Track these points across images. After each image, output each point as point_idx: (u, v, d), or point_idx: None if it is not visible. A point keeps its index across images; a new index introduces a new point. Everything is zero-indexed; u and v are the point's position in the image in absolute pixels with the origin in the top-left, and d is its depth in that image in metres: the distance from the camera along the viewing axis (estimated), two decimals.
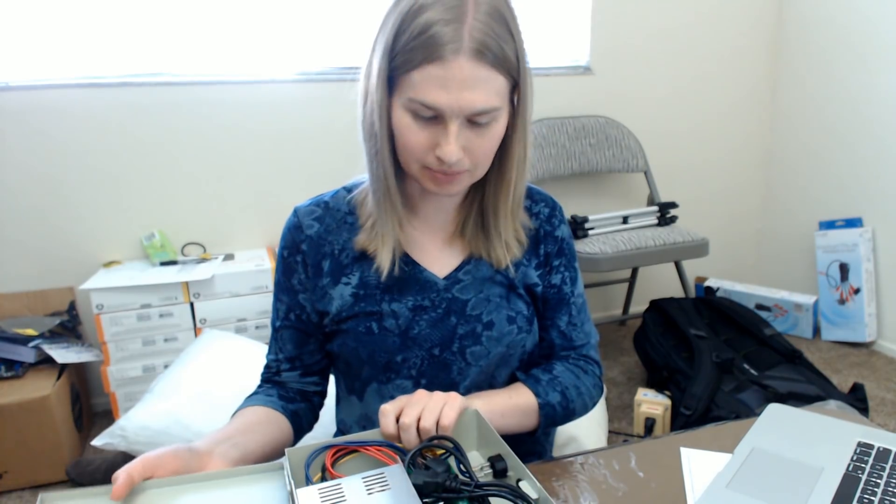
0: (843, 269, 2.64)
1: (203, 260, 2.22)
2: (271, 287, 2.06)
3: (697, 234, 2.40)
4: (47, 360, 1.92)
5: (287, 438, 0.86)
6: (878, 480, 0.70)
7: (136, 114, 2.14)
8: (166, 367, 2.00)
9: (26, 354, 1.90)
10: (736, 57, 2.86)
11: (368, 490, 0.60)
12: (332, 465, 0.66)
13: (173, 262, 2.17)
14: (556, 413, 0.87)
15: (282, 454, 0.67)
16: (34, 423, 1.81)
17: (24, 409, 1.79)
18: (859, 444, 0.77)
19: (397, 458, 0.66)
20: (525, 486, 0.62)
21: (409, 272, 0.85)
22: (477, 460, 0.70)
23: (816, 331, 2.77)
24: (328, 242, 0.86)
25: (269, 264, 2.14)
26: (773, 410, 0.86)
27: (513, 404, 0.84)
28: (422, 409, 0.68)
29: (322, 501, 0.58)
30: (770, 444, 0.78)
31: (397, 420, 0.69)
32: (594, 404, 0.94)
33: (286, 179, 2.34)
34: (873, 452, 0.75)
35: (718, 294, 2.87)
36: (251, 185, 2.32)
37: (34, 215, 2.12)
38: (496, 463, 0.67)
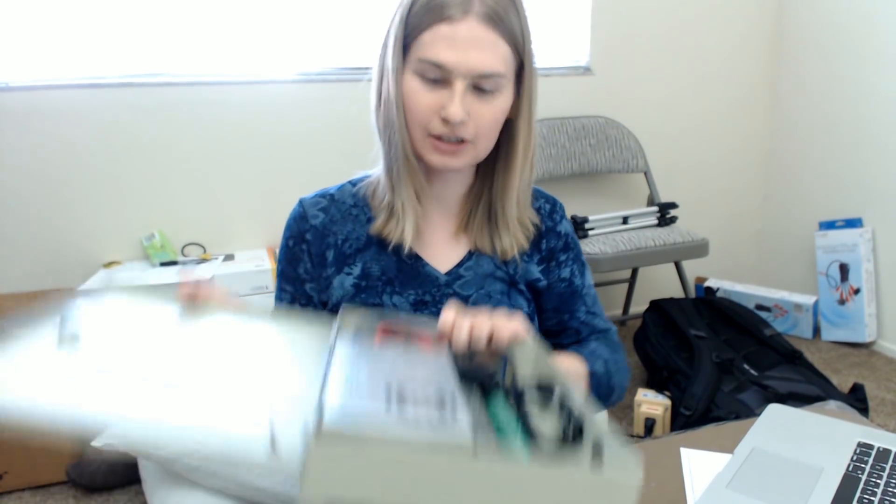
0: (843, 270, 2.64)
1: (203, 260, 2.22)
2: (272, 287, 2.06)
3: (697, 235, 2.39)
4: None
5: None
6: (878, 481, 0.70)
7: (137, 114, 2.14)
8: None
9: None
10: (736, 57, 2.86)
11: (408, 362, 0.57)
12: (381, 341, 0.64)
13: (173, 263, 2.17)
14: (601, 383, 0.85)
15: None
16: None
17: None
18: (859, 445, 0.77)
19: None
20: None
21: (411, 265, 0.86)
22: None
23: (816, 331, 2.76)
24: (332, 233, 0.87)
25: (269, 265, 2.14)
26: (773, 411, 0.86)
27: (565, 369, 0.82)
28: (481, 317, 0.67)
29: (359, 355, 0.56)
30: (770, 445, 0.78)
31: None
32: (627, 385, 0.93)
33: (286, 180, 2.34)
34: (873, 453, 0.75)
35: (718, 294, 2.87)
36: (251, 185, 2.32)
37: (34, 215, 2.12)
38: (544, 390, 0.58)
